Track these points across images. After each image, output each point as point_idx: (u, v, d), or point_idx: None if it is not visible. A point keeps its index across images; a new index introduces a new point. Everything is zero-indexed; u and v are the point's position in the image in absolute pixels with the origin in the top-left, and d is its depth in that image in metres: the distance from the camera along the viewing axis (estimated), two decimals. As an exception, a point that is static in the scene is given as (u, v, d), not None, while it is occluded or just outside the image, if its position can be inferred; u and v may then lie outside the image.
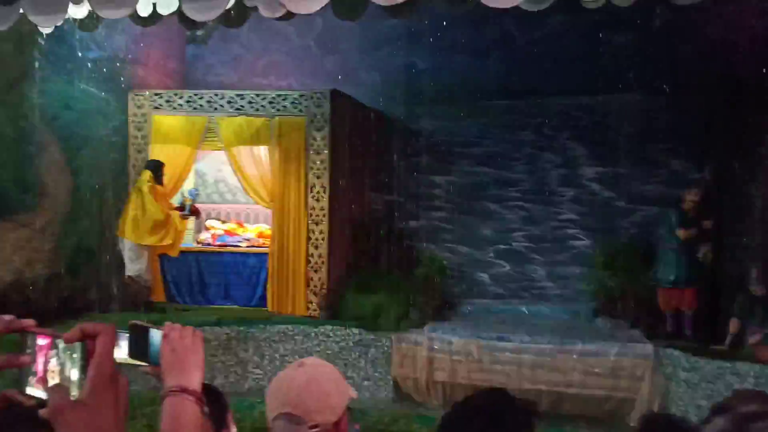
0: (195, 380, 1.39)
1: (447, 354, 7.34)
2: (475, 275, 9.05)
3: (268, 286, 8.41)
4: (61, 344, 0.93)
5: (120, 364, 1.00)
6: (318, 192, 8.26)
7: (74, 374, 0.92)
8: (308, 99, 8.28)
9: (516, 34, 8.57)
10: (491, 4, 3.81)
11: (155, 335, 1.30)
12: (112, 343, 0.92)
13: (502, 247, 9.04)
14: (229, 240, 9.03)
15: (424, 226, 9.26)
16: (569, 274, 8.81)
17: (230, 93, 8.55)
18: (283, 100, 8.37)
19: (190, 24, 5.31)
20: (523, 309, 8.63)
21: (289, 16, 4.37)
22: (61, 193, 7.76)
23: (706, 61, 7.52)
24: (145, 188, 8.09)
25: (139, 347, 1.27)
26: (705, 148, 8.09)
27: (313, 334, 7.84)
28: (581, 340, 7.15)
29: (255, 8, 4.36)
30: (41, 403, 0.91)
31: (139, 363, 1.22)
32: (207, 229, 9.27)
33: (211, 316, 7.91)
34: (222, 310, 8.34)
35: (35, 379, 0.94)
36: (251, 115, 8.41)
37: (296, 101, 8.32)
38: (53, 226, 7.64)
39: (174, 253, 8.51)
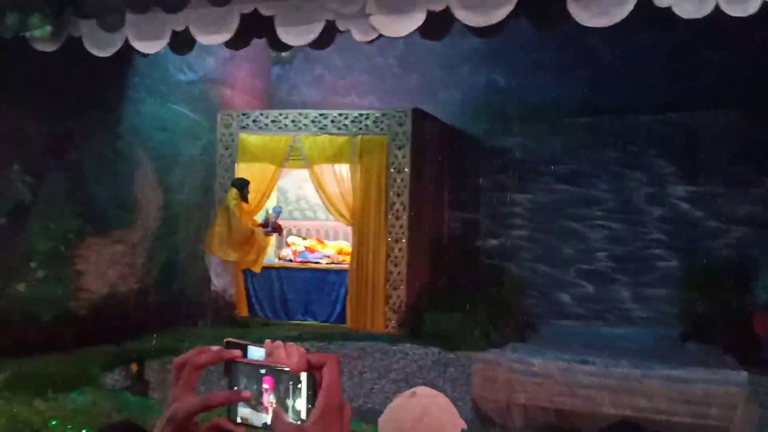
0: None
1: (528, 375, 7.21)
2: (557, 295, 8.88)
3: (348, 302, 8.51)
4: (282, 375, 0.93)
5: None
6: (398, 210, 8.32)
7: (299, 403, 0.93)
8: (390, 117, 8.37)
9: (601, 50, 8.41)
10: (587, 24, 3.78)
11: (255, 352, 1.11)
12: (338, 372, 0.94)
13: (584, 266, 8.84)
14: (310, 257, 9.19)
15: (504, 244, 9.16)
16: (655, 296, 8.52)
17: (314, 112, 8.74)
18: (365, 118, 8.49)
19: (280, 47, 5.49)
20: (606, 331, 8.40)
21: (379, 38, 4.45)
22: (152, 210, 8.09)
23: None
24: (232, 205, 8.35)
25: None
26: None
27: (391, 352, 7.87)
28: (669, 365, 6.90)
29: (347, 31, 4.46)
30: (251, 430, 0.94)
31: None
32: (288, 245, 9.47)
33: (292, 331, 8.06)
34: (302, 326, 8.48)
35: (244, 407, 0.94)
36: (334, 134, 8.57)
37: (378, 120, 8.42)
38: (145, 242, 7.97)
39: (257, 269, 8.73)
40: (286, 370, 0.94)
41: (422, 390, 1.82)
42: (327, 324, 8.58)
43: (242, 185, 8.50)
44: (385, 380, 7.71)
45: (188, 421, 0.94)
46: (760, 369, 6.66)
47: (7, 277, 6.42)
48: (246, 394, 0.94)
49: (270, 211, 9.03)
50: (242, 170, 8.80)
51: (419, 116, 8.46)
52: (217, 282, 8.37)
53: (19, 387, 4.63)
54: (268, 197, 9.07)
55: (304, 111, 8.84)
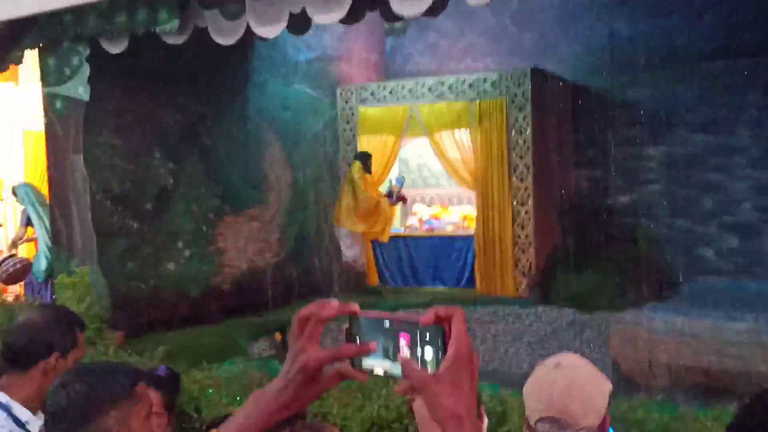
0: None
1: (671, 335, 6.94)
2: (698, 251, 8.41)
3: (476, 267, 8.50)
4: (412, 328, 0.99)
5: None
6: (522, 172, 8.18)
7: (428, 353, 0.97)
8: (507, 79, 8.20)
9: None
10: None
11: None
12: (465, 323, 0.98)
13: (728, 219, 8.30)
14: (435, 224, 9.25)
15: (637, 200, 8.76)
16: (809, 246, 7.89)
17: (430, 80, 8.71)
18: (483, 82, 8.36)
19: (393, 18, 5.50)
20: (754, 286, 7.88)
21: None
22: (283, 187, 8.42)
23: None
24: (356, 178, 8.54)
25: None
26: None
27: (524, 315, 7.81)
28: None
29: (459, -5, 4.40)
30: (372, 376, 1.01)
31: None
32: (413, 214, 9.56)
33: (422, 297, 8.17)
34: (432, 292, 8.57)
35: (369, 360, 1.01)
36: (451, 100, 8.51)
37: (495, 82, 8.28)
38: (278, 218, 8.33)
39: (384, 239, 8.89)
40: (415, 323, 0.98)
41: (567, 360, 1.79)
42: (456, 289, 8.63)
43: (365, 158, 8.65)
44: (519, 343, 7.67)
45: (318, 371, 1.01)
46: None
47: (158, 258, 6.92)
48: (373, 346, 1.00)
49: (393, 182, 9.15)
50: (363, 143, 8.95)
51: (538, 76, 8.22)
52: (348, 253, 8.62)
53: (178, 358, 5.00)
54: (390, 168, 9.18)
55: (421, 79, 8.83)
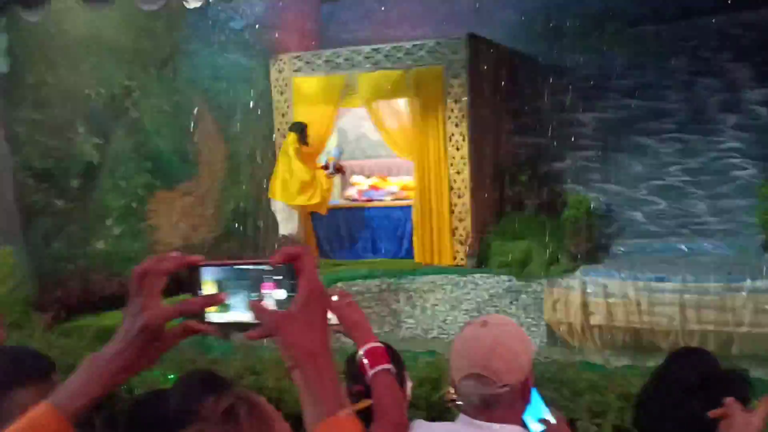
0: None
1: (602, 297, 7.12)
2: (628, 214, 8.61)
3: (414, 237, 8.52)
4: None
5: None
6: (458, 140, 8.19)
7: (280, 294, 0.98)
8: (444, 46, 8.15)
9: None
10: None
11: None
12: (315, 261, 0.98)
13: (656, 182, 8.50)
14: (374, 194, 9.21)
15: (571, 166, 8.90)
16: (733, 207, 8.15)
17: (366, 48, 8.58)
18: (419, 50, 8.29)
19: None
20: (683, 246, 8.14)
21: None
22: (217, 161, 8.24)
23: None
24: (291, 150, 8.40)
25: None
26: None
27: (462, 283, 7.89)
28: (750, 277, 6.67)
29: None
30: (221, 329, 1.00)
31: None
32: (352, 185, 9.50)
33: (361, 269, 8.15)
34: (372, 263, 8.56)
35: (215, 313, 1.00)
36: (388, 69, 8.42)
37: (432, 50, 8.22)
38: (213, 192, 8.16)
39: (323, 211, 8.81)
40: (263, 268, 0.98)
41: (493, 319, 1.79)
42: (396, 260, 8.64)
43: (300, 129, 8.51)
44: (457, 311, 7.76)
45: (161, 329, 0.97)
46: None
47: (86, 237, 6.70)
48: (222, 296, 0.97)
49: (331, 153, 9.05)
50: (300, 114, 8.80)
51: (475, 42, 8.20)
52: (285, 227, 8.50)
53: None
54: (327, 139, 9.06)
55: (356, 48, 8.70)
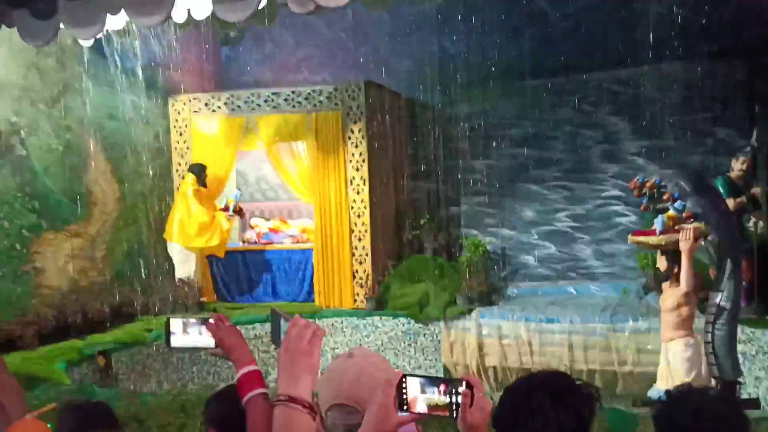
0: (305, 387, 1.53)
1: (496, 339, 7.33)
2: (521, 258, 8.97)
3: (315, 280, 8.50)
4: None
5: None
6: (358, 184, 8.30)
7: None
8: (343, 92, 8.31)
9: (548, 10, 8.43)
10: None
11: (283, 325, 1.57)
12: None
13: (545, 228, 8.93)
14: (274, 237, 9.14)
15: (467, 211, 9.21)
16: (616, 252, 8.66)
17: (266, 92, 8.63)
18: (319, 94, 8.42)
19: (223, 25, 5.39)
20: (571, 289, 8.53)
21: (318, 10, 4.39)
22: (109, 201, 7.96)
23: (745, 24, 7.29)
24: (189, 191, 8.25)
25: (275, 333, 1.60)
26: (750, 114, 7.85)
27: (361, 326, 7.93)
28: (632, 318, 7.06)
29: (285, 5, 4.39)
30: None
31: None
32: (252, 227, 9.40)
33: (260, 313, 8.02)
34: (271, 307, 8.42)
35: None
36: (288, 112, 8.48)
37: (331, 95, 8.36)
38: (104, 234, 7.85)
39: (220, 254, 8.65)
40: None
41: (359, 351, 1.84)
42: (296, 303, 8.56)
43: (199, 170, 8.39)
44: (356, 354, 7.74)
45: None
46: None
47: (-37, 280, 6.27)
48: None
49: (230, 196, 8.94)
50: (199, 155, 8.68)
51: (372, 89, 8.41)
52: (181, 269, 8.28)
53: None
54: (227, 180, 8.96)
55: (257, 91, 8.73)
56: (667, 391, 1.89)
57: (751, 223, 7.17)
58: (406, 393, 1.40)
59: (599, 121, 8.69)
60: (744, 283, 7.03)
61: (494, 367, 7.30)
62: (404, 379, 1.40)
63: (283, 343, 1.52)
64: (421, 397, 1.41)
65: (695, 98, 8.18)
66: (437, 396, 1.41)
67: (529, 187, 8.96)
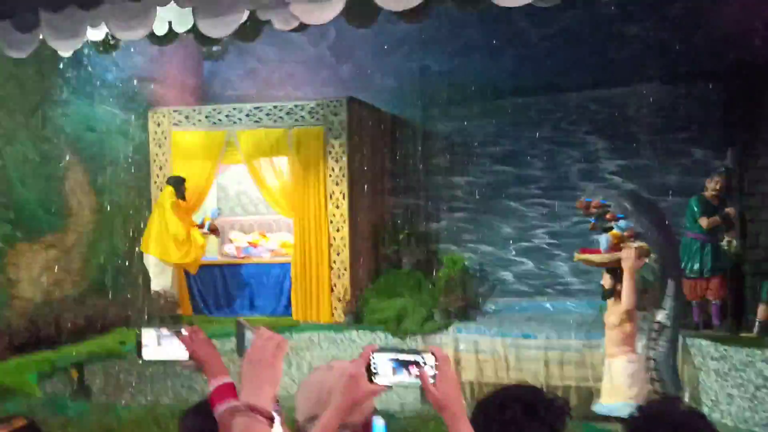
0: (266, 397, 1.55)
1: (473, 354, 7.36)
2: (499, 274, 9.02)
3: (293, 294, 8.48)
4: None
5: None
6: (337, 199, 8.33)
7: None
8: (325, 107, 8.35)
9: (529, 31, 8.54)
10: (503, 4, 3.84)
11: (248, 336, 1.61)
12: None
13: (524, 244, 9.00)
14: (253, 251, 9.13)
15: (445, 227, 9.26)
16: (592, 269, 8.71)
17: (248, 106, 8.65)
18: (300, 110, 8.45)
19: (206, 41, 5.41)
20: (548, 305, 8.59)
21: (302, 27, 4.43)
22: (85, 213, 7.91)
23: (722, 47, 7.44)
24: (167, 204, 8.22)
25: (240, 344, 1.62)
26: (725, 135, 8.00)
27: (339, 340, 7.92)
28: (608, 335, 7.10)
29: (268, 21, 4.42)
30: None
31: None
32: (231, 241, 9.37)
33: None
34: (248, 321, 8.38)
35: None
36: (270, 127, 8.50)
37: (313, 110, 8.40)
38: (80, 246, 7.79)
39: (193, 271, 8.61)
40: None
41: (339, 363, 1.85)
42: (273, 317, 8.53)
43: (178, 183, 8.36)
44: (333, 369, 7.72)
45: None
46: (691, 332, 6.91)
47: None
48: None
49: (208, 213, 8.91)
50: (178, 168, 8.65)
51: (354, 105, 8.47)
52: (157, 282, 8.23)
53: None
54: (206, 194, 8.94)
55: (238, 105, 8.74)
56: (640, 407, 1.92)
57: (724, 242, 7.29)
58: (375, 367, 1.50)
59: (578, 140, 8.81)
60: (717, 301, 7.17)
61: (471, 382, 7.32)
62: (372, 355, 1.50)
63: (247, 354, 1.55)
64: (390, 370, 1.49)
65: (672, 119, 8.34)
66: (405, 370, 1.50)
67: (508, 204, 9.03)
